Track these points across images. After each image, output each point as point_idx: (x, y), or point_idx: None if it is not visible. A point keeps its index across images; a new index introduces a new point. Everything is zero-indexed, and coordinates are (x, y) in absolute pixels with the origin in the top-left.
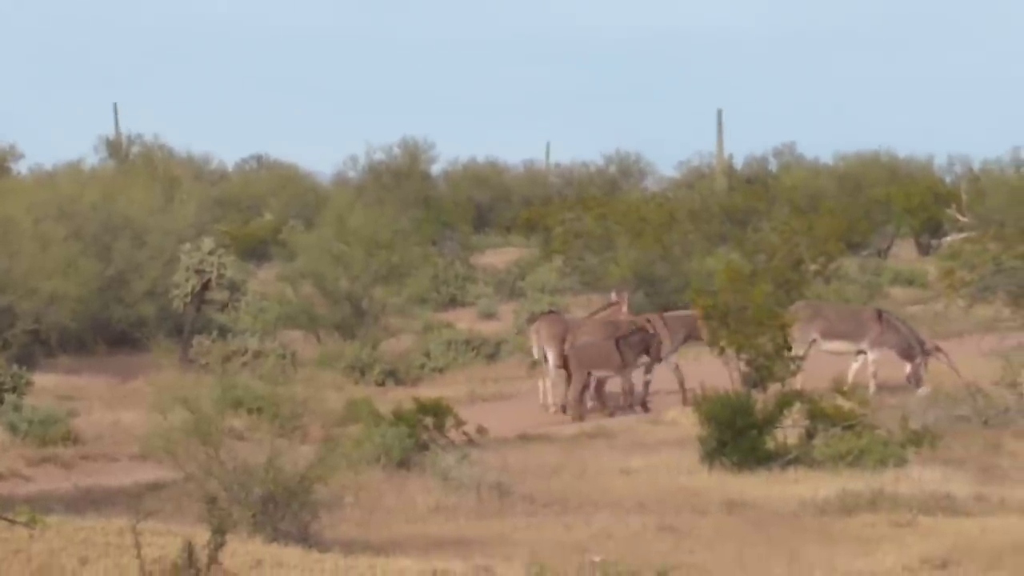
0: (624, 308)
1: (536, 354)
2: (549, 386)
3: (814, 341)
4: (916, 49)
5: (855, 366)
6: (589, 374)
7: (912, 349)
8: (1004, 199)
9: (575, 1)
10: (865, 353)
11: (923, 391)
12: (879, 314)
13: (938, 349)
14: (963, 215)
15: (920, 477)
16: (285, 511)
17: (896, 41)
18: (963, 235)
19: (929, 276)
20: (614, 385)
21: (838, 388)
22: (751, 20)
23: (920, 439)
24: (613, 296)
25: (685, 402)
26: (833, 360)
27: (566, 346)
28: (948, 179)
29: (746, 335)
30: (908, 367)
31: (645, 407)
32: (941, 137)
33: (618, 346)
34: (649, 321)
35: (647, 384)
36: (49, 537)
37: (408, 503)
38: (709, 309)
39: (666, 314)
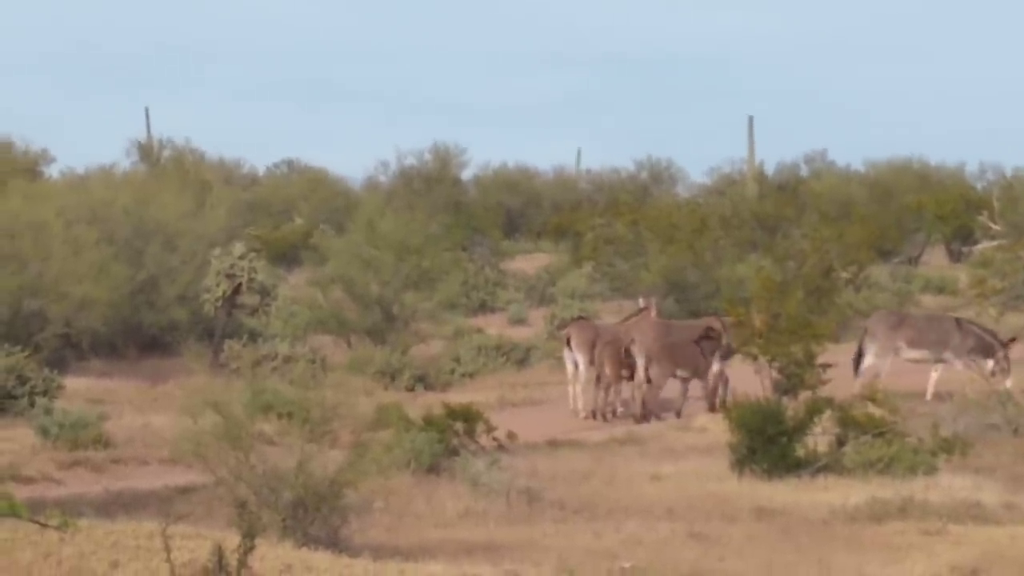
0: (653, 314)
1: (568, 360)
2: (579, 392)
3: (898, 350)
4: (947, 55)
5: (934, 375)
6: (673, 375)
7: (992, 346)
8: None
9: (607, 9)
10: (945, 362)
11: (1009, 384)
12: (958, 322)
13: (1013, 340)
14: (995, 223)
15: (950, 485)
16: (315, 516)
17: (927, 47)
18: (995, 243)
19: (960, 284)
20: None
21: (869, 395)
22: (782, 27)
23: (950, 447)
24: (641, 302)
25: (712, 408)
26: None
27: (596, 351)
28: (980, 186)
29: (778, 343)
30: (990, 363)
31: (678, 414)
32: (973, 144)
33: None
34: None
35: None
36: (79, 541)
37: (438, 508)
38: (741, 317)
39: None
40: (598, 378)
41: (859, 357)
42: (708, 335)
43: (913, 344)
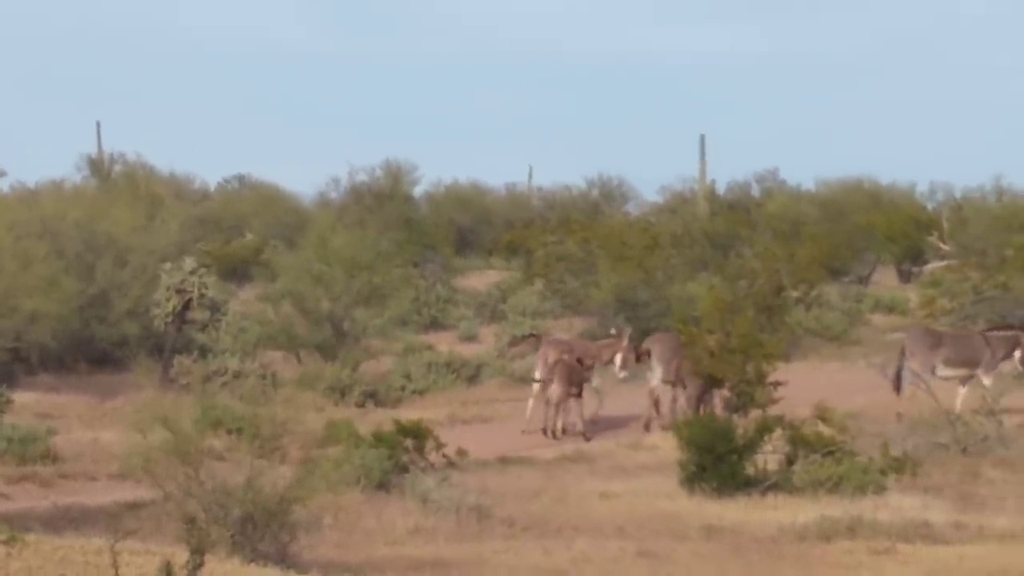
0: (624, 343)
1: (538, 375)
2: (533, 408)
3: (934, 368)
4: (899, 76)
5: (963, 391)
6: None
7: (1016, 342)
8: (985, 227)
9: (559, 25)
10: (975, 378)
11: None
12: (986, 339)
13: None
14: (944, 243)
15: (899, 504)
16: (264, 532)
17: (879, 68)
18: (944, 263)
19: (910, 303)
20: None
21: (819, 414)
22: (735, 46)
23: (900, 466)
24: (613, 331)
25: (647, 427)
26: (814, 386)
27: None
28: (930, 207)
29: (729, 362)
30: (1018, 352)
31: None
32: (923, 165)
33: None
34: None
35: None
36: (27, 556)
37: (387, 525)
38: (691, 335)
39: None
40: (548, 396)
41: (898, 375)
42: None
43: (950, 363)
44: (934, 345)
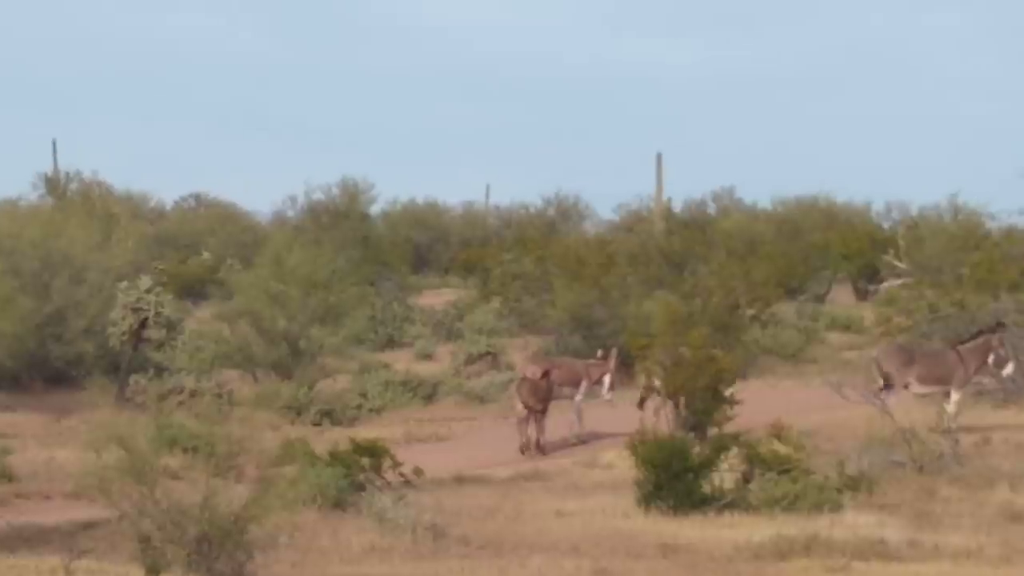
0: (611, 364)
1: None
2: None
3: (907, 385)
4: (855, 94)
5: (950, 408)
6: None
7: (988, 347)
8: (942, 246)
9: (516, 42)
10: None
11: (1010, 369)
12: (959, 354)
13: (1000, 325)
14: (900, 261)
15: (855, 522)
16: (220, 551)
17: (835, 86)
18: (900, 281)
19: (866, 322)
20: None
21: (775, 432)
22: (691, 64)
23: (856, 484)
24: (600, 353)
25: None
26: (770, 404)
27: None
28: (886, 225)
29: (683, 378)
30: (992, 357)
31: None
32: (879, 183)
33: None
34: None
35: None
36: None
37: (343, 544)
38: (644, 351)
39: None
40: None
41: (881, 388)
42: None
43: (924, 380)
44: (907, 362)
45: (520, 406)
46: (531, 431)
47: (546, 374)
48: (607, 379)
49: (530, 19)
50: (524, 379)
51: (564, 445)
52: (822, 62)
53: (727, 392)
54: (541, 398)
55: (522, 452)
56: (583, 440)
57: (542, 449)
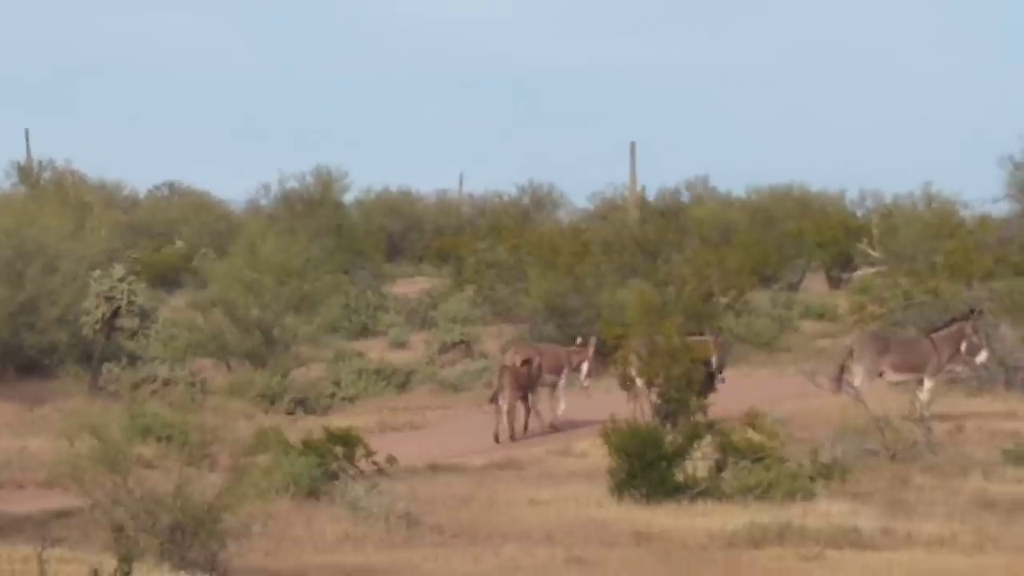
0: (591, 351)
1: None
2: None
3: (882, 373)
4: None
5: (924, 396)
6: None
7: (960, 335)
8: (916, 234)
9: (490, 32)
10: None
11: (984, 356)
12: (933, 342)
13: (973, 312)
14: (874, 249)
15: (828, 510)
16: (193, 540)
17: (810, 76)
18: (874, 269)
19: (839, 310)
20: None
21: (749, 421)
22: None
23: (829, 472)
24: (579, 340)
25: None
26: (744, 392)
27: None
28: (860, 213)
29: (658, 367)
30: (964, 344)
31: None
32: (853, 171)
33: None
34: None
35: None
36: None
37: (317, 532)
38: (619, 339)
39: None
40: (494, 401)
41: (840, 374)
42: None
43: (898, 368)
44: (882, 350)
45: (500, 393)
46: (509, 418)
47: (527, 362)
48: (585, 366)
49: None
50: (504, 367)
51: (542, 432)
52: (797, 52)
53: (720, 378)
54: (520, 385)
55: (496, 440)
56: (559, 428)
57: (514, 436)
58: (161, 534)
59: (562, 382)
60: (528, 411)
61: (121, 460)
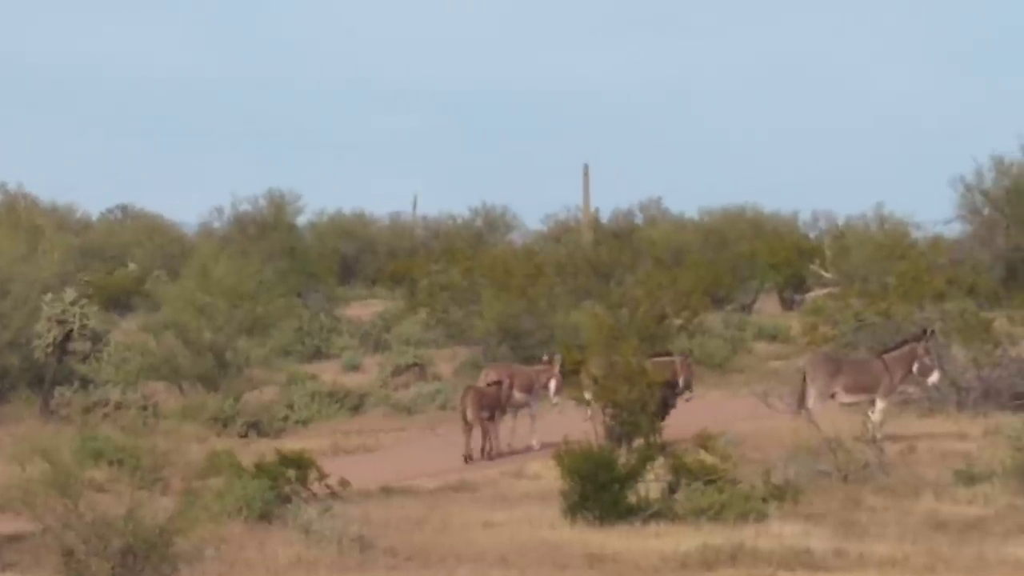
0: (556, 369)
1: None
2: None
3: (834, 395)
4: (781, 106)
5: (876, 417)
6: None
7: (913, 355)
8: (868, 255)
9: (444, 55)
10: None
11: (936, 377)
12: (885, 363)
13: (925, 332)
14: (826, 271)
15: (780, 532)
16: (145, 564)
17: (762, 98)
18: (826, 291)
19: (792, 331)
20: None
21: (701, 442)
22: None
23: (781, 494)
24: (545, 358)
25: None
26: (696, 413)
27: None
28: (812, 235)
29: (612, 389)
30: (916, 365)
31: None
32: (806, 193)
33: None
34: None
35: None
36: None
37: (269, 556)
38: (576, 363)
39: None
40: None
41: (802, 397)
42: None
43: (850, 390)
44: (834, 372)
45: (466, 414)
46: (479, 438)
47: (497, 383)
48: (553, 383)
49: (456, 33)
50: (469, 387)
51: (513, 453)
52: (749, 75)
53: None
54: (486, 406)
55: (467, 460)
56: (537, 447)
57: (490, 456)
58: (112, 558)
59: (534, 402)
60: (496, 433)
61: (72, 484)
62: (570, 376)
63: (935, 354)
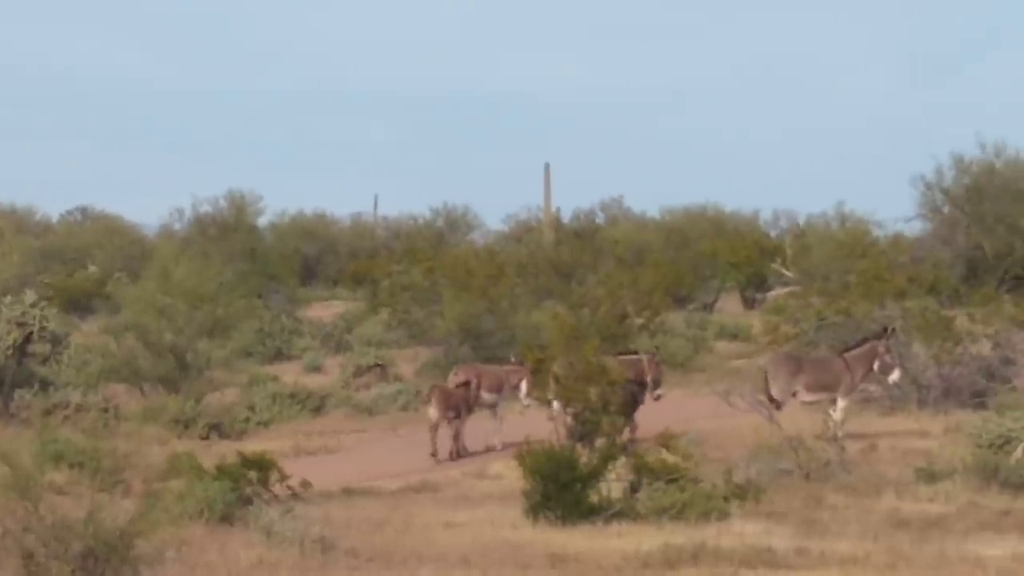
0: (527, 369)
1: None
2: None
3: (795, 393)
4: (743, 105)
5: (837, 416)
6: None
7: (874, 353)
8: (829, 254)
9: (406, 57)
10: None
11: (896, 375)
12: (845, 361)
13: (886, 331)
14: (788, 269)
15: (742, 530)
16: (105, 567)
17: (724, 97)
18: (787, 289)
19: (754, 330)
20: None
21: (663, 442)
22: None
23: (743, 493)
24: (514, 359)
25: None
26: (658, 413)
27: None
28: (774, 233)
29: (574, 389)
30: (877, 363)
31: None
32: (768, 192)
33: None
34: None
35: None
36: None
37: (231, 558)
38: (539, 363)
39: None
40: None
41: (770, 396)
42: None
43: (811, 388)
44: (795, 370)
45: (431, 412)
46: (446, 437)
47: (466, 384)
48: (524, 385)
49: (418, 34)
50: (435, 387)
51: (484, 452)
52: (709, 75)
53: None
54: (452, 406)
55: (434, 458)
56: (502, 447)
57: (457, 455)
58: (73, 561)
59: (501, 402)
60: (461, 433)
61: (32, 487)
62: (533, 376)
63: (896, 352)
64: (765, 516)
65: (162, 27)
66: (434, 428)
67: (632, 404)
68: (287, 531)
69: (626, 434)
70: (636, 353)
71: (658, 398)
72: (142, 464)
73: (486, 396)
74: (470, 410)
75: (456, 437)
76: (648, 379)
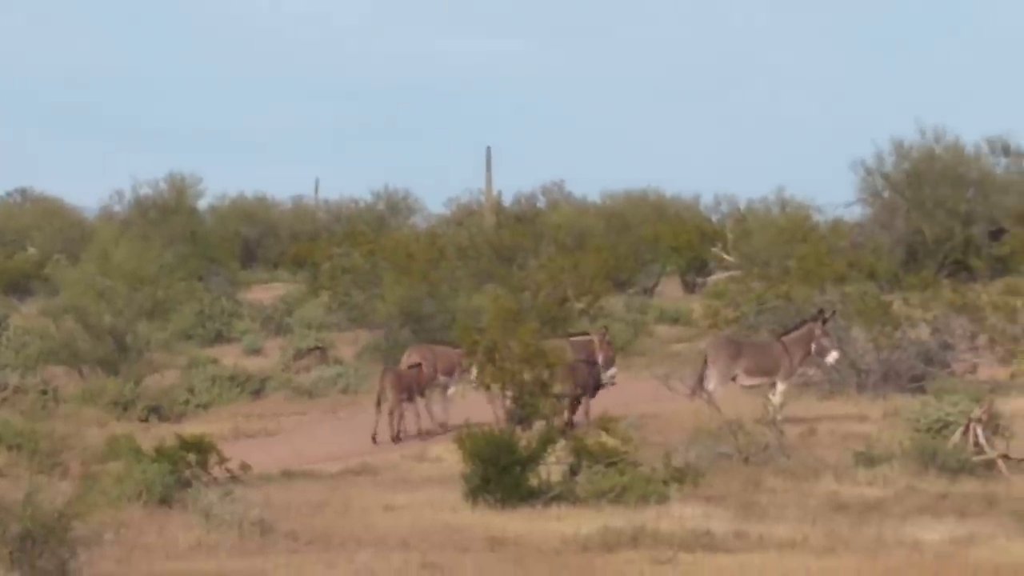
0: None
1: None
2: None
3: (735, 377)
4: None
5: (776, 400)
6: None
7: (811, 335)
8: (769, 239)
9: (346, 35)
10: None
11: (834, 356)
12: (784, 345)
13: (822, 313)
14: (728, 254)
15: (681, 514)
16: (43, 548)
17: (665, 82)
18: (728, 274)
19: (694, 314)
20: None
21: (603, 425)
22: (521, 57)
23: (682, 476)
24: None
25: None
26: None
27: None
28: (714, 218)
29: (512, 371)
30: (814, 345)
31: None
32: (708, 177)
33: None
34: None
35: None
36: None
37: (169, 540)
38: (474, 345)
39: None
40: (379, 402)
41: (701, 380)
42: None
43: (751, 373)
44: (734, 355)
45: (388, 396)
46: (391, 419)
47: (416, 365)
48: (475, 367)
49: (358, 15)
50: (387, 370)
51: (432, 433)
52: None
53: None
54: (404, 388)
55: (394, 440)
56: (449, 428)
57: (397, 438)
58: (10, 543)
59: (453, 385)
60: (417, 414)
61: None
62: (466, 358)
63: (833, 335)
64: (704, 500)
65: (100, 9)
66: (390, 412)
67: (594, 385)
68: (226, 514)
69: (579, 413)
70: (587, 335)
71: (612, 376)
72: (80, 446)
73: (441, 378)
74: (421, 392)
75: (399, 419)
76: (599, 359)
